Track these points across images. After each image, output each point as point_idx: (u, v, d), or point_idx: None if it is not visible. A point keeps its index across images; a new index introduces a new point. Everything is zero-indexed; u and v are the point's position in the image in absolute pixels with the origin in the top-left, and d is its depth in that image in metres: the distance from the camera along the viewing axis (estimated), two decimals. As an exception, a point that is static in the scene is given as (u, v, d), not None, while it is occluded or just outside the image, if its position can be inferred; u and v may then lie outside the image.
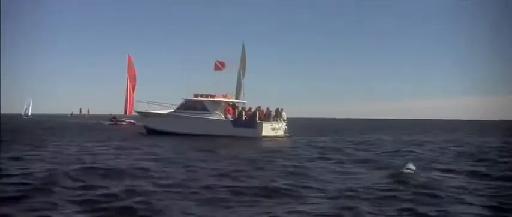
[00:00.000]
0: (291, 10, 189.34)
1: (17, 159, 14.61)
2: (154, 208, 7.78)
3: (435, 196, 8.99)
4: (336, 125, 75.37)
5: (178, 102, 33.22)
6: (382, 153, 19.56)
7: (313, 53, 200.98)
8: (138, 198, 8.43)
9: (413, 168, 12.81)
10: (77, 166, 12.67)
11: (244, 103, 33.16)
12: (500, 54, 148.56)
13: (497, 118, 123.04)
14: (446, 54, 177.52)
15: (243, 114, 31.49)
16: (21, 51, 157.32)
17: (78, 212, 7.62)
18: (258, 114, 30.97)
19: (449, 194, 9.22)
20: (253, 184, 10.24)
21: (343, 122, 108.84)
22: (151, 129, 32.89)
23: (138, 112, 36.64)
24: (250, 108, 32.18)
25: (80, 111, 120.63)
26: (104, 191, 9.20)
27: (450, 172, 12.79)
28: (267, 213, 7.69)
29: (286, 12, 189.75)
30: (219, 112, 31.79)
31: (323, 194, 9.34)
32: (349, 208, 7.84)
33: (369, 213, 7.66)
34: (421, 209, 7.85)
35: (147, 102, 34.71)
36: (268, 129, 30.79)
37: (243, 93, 34.47)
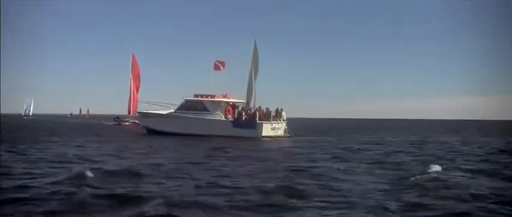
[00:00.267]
0: (290, 10, 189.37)
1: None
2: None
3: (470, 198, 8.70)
4: (336, 125, 75.24)
5: (179, 103, 33.38)
6: (393, 152, 19.42)
7: (313, 53, 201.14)
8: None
9: (438, 168, 12.32)
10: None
11: (244, 103, 33.14)
12: (500, 54, 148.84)
13: (497, 118, 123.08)
14: (446, 54, 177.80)
15: (243, 114, 31.54)
16: (21, 51, 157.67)
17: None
18: (258, 114, 31.03)
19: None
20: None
21: (343, 122, 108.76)
22: (152, 129, 32.96)
23: (138, 112, 36.77)
24: (250, 108, 32.23)
25: (80, 111, 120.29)
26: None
27: (476, 172, 12.50)
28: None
29: (286, 12, 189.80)
30: (219, 113, 31.83)
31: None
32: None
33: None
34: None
35: (147, 103, 34.81)
36: (268, 129, 30.82)
37: (255, 97, 32.85)
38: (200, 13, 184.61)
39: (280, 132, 31.86)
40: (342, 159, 16.17)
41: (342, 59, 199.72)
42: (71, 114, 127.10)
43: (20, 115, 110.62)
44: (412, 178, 10.95)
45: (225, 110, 32.05)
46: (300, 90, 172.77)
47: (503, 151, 20.44)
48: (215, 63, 33.14)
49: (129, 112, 45.15)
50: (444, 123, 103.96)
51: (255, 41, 33.56)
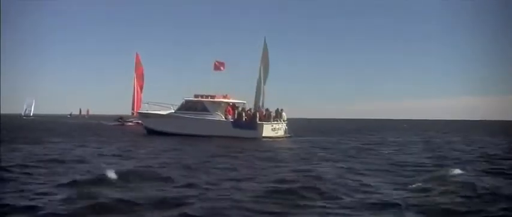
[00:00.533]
0: (290, 10, 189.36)
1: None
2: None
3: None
4: (337, 125, 75.13)
5: (179, 103, 33.35)
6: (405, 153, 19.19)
7: (313, 53, 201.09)
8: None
9: (460, 171, 11.83)
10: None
11: (244, 103, 33.15)
12: (500, 54, 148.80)
13: (497, 119, 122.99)
14: (446, 54, 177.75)
15: (243, 114, 31.51)
16: (21, 51, 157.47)
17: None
18: (258, 115, 30.99)
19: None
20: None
21: (343, 122, 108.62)
22: (152, 130, 32.96)
23: (138, 112, 36.80)
24: (250, 109, 32.20)
25: (80, 111, 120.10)
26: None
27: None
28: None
29: (286, 12, 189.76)
30: (219, 113, 31.80)
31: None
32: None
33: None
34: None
35: (147, 103, 34.79)
36: (269, 130, 30.78)
37: (263, 100, 32.05)
38: (200, 13, 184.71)
39: (281, 133, 31.83)
40: (356, 160, 16.00)
41: (342, 58, 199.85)
42: (70, 115, 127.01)
43: (20, 115, 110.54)
44: (435, 181, 10.64)
45: (225, 111, 32.02)
46: (299, 90, 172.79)
47: None
48: (215, 64, 33.13)
49: (132, 112, 44.81)
50: (447, 123, 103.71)
51: (264, 39, 33.09)
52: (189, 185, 10.02)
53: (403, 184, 10.53)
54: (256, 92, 32.17)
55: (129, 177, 10.78)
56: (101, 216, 7.40)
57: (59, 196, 8.53)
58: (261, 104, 31.88)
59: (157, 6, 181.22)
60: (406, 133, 42.56)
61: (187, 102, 32.73)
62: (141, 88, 43.58)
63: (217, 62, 33.18)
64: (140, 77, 43.62)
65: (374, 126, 74.45)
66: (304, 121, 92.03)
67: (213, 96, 32.33)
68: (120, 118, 57.60)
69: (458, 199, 8.62)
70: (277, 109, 32.66)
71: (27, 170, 12.02)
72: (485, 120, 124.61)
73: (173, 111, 33.21)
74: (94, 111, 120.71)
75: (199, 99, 32.46)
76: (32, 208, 7.65)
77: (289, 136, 31.62)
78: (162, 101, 35.26)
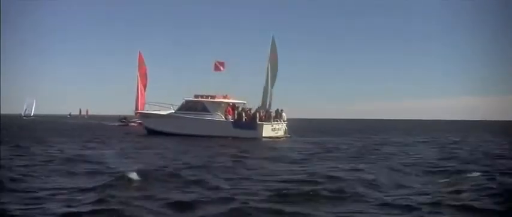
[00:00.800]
0: (290, 10, 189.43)
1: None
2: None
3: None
4: (337, 125, 75.09)
5: (179, 103, 33.36)
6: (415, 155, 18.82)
7: (313, 54, 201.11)
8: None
9: (477, 174, 11.44)
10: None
11: (244, 104, 33.14)
12: (500, 54, 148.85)
13: (497, 119, 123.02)
14: (446, 54, 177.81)
15: (243, 115, 31.50)
16: (21, 51, 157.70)
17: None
18: (258, 115, 30.99)
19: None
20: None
21: (343, 122, 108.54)
22: (152, 130, 32.98)
23: (138, 113, 36.81)
24: (250, 109, 32.20)
25: (80, 111, 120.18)
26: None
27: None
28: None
29: (285, 12, 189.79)
30: (219, 113, 31.80)
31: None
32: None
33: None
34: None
35: (147, 103, 34.78)
36: (269, 130, 30.79)
37: (270, 101, 31.53)
38: (200, 13, 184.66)
39: (281, 133, 31.85)
40: (366, 160, 15.92)
41: (342, 58, 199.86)
42: (70, 115, 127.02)
43: (20, 115, 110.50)
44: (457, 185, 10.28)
45: (225, 111, 32.02)
46: (299, 90, 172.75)
47: None
48: (215, 64, 33.10)
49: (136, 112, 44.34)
50: (447, 123, 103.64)
51: (272, 36, 32.64)
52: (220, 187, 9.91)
53: (434, 185, 10.41)
54: (263, 93, 31.74)
55: (154, 178, 10.68)
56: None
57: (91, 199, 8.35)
58: (268, 105, 31.60)
59: (157, 6, 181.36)
60: (411, 134, 42.09)
61: (187, 102, 32.74)
62: (145, 87, 42.86)
63: (217, 62, 33.17)
64: (144, 76, 42.86)
65: (376, 126, 74.19)
66: (305, 121, 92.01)
67: (213, 96, 32.33)
68: (124, 119, 57.33)
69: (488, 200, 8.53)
70: (277, 109, 32.68)
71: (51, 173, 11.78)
72: (485, 120, 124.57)
73: (173, 111, 33.22)
74: (93, 111, 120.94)
75: (200, 99, 32.47)
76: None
77: (289, 137, 31.65)
78: (162, 101, 35.29)
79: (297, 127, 38.84)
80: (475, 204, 8.19)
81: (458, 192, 9.43)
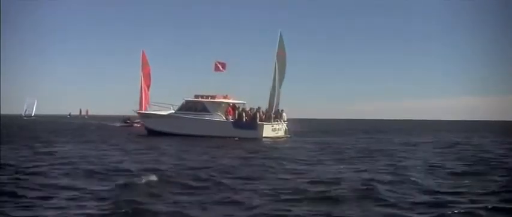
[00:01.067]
0: (290, 10, 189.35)
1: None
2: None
3: None
4: (338, 125, 74.99)
5: (179, 103, 33.36)
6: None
7: (313, 54, 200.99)
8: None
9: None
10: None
11: (244, 104, 33.15)
12: (500, 54, 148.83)
13: (497, 119, 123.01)
14: (446, 54, 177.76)
15: (244, 115, 31.51)
16: (21, 51, 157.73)
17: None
18: (258, 115, 30.99)
19: None
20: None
21: (343, 122, 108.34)
22: (152, 130, 32.99)
23: (139, 113, 36.80)
24: (250, 109, 32.22)
25: (80, 112, 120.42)
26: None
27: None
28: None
29: (285, 12, 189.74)
30: (219, 113, 31.80)
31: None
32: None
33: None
34: None
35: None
36: (269, 130, 30.80)
37: (278, 97, 31.28)
38: (200, 12, 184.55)
39: (281, 133, 31.86)
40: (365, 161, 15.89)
41: (342, 58, 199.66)
42: (69, 115, 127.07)
43: (20, 115, 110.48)
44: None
45: (226, 111, 32.03)
46: (299, 90, 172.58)
47: None
48: (216, 64, 33.07)
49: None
50: (447, 123, 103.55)
51: (280, 33, 32.21)
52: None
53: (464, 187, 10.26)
54: (270, 93, 31.39)
55: (173, 179, 10.62)
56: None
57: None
58: (275, 105, 31.40)
59: (157, 6, 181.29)
60: (414, 134, 41.65)
61: (187, 102, 32.74)
62: (148, 87, 42.32)
63: (217, 62, 33.15)
64: (147, 76, 42.22)
65: (377, 126, 73.90)
66: (305, 121, 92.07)
67: (213, 97, 32.33)
68: (128, 120, 57.06)
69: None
70: (278, 109, 32.66)
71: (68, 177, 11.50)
72: (485, 120, 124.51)
73: (173, 111, 33.23)
74: (93, 111, 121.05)
75: (200, 99, 32.47)
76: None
77: (289, 137, 31.65)
78: (162, 101, 35.30)
79: (302, 127, 38.53)
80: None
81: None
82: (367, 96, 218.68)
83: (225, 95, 32.58)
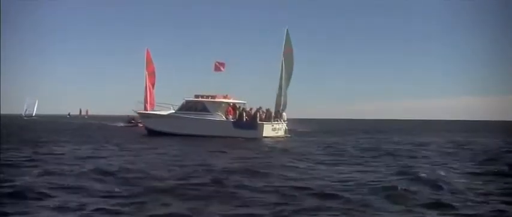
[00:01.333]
0: (290, 10, 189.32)
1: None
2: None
3: None
4: (337, 125, 74.85)
5: (179, 103, 33.39)
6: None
7: (313, 54, 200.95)
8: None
9: None
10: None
11: (244, 104, 33.18)
12: (500, 54, 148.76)
13: (497, 119, 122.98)
14: (446, 54, 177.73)
15: (244, 114, 31.54)
16: (21, 51, 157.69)
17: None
18: (258, 115, 31.01)
19: None
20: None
21: (343, 122, 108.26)
22: (152, 130, 33.01)
23: (138, 113, 36.83)
24: (251, 109, 32.25)
25: (80, 111, 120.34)
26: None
27: None
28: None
29: (285, 12, 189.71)
30: (219, 113, 31.83)
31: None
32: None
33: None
34: None
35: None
36: (269, 130, 30.84)
37: (285, 97, 31.26)
38: (200, 12, 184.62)
39: (281, 133, 31.90)
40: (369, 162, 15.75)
41: (342, 58, 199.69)
42: (69, 115, 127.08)
43: (21, 115, 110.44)
44: None
45: (226, 111, 32.06)
46: (299, 90, 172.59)
47: None
48: (215, 64, 33.11)
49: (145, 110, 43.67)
50: (448, 123, 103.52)
51: (286, 31, 32.22)
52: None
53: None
54: (277, 93, 31.42)
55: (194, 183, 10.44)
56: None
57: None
58: (282, 104, 31.35)
59: (157, 6, 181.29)
60: (415, 134, 41.29)
61: (187, 102, 32.76)
62: (153, 86, 41.70)
63: (217, 62, 33.18)
64: (152, 75, 41.56)
65: (378, 126, 73.72)
66: (305, 121, 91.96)
67: (213, 96, 32.35)
68: (133, 120, 56.92)
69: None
70: (278, 109, 32.67)
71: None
72: (485, 120, 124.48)
73: (173, 111, 33.25)
74: (93, 111, 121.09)
75: (200, 99, 32.49)
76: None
77: (289, 136, 31.68)
78: (164, 101, 35.35)
79: (302, 127, 38.40)
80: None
81: None
82: (367, 96, 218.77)
83: (225, 95, 32.61)
